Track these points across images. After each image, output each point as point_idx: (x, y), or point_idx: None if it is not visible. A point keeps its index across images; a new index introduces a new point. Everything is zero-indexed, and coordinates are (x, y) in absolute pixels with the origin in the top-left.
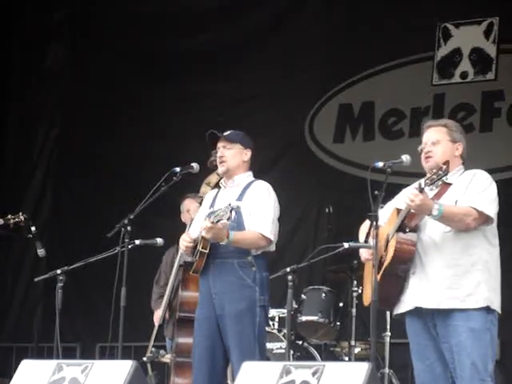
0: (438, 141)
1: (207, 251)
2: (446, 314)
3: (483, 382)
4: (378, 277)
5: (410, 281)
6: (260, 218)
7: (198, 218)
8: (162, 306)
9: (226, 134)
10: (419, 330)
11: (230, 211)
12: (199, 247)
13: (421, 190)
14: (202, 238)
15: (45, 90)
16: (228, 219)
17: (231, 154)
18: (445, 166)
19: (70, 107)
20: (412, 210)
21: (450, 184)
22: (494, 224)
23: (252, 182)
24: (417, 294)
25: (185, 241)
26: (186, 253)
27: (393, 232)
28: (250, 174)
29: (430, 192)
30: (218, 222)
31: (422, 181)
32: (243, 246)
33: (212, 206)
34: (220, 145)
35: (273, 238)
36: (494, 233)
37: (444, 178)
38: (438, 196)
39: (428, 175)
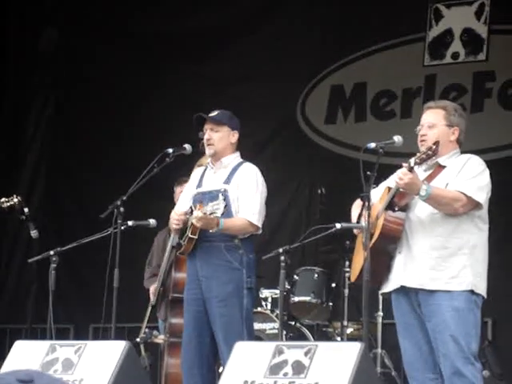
0: (433, 124)
1: (196, 237)
2: (429, 293)
3: (467, 359)
4: (364, 254)
5: (396, 260)
6: (248, 205)
7: (184, 197)
8: (156, 285)
9: (212, 115)
10: (405, 309)
11: (225, 207)
12: (188, 233)
13: (410, 169)
14: (192, 224)
15: (38, 73)
16: (222, 214)
17: (219, 137)
18: (434, 146)
19: (63, 90)
20: (401, 189)
21: (443, 167)
22: (484, 210)
23: (240, 164)
24: (402, 273)
25: (174, 219)
26: (176, 226)
27: (382, 210)
28: (238, 154)
29: (424, 174)
30: (211, 214)
31: (412, 160)
32: (232, 232)
33: (199, 185)
34: (207, 127)
35: (260, 225)
36: (484, 218)
37: (434, 158)
38: (430, 178)
39: (417, 154)
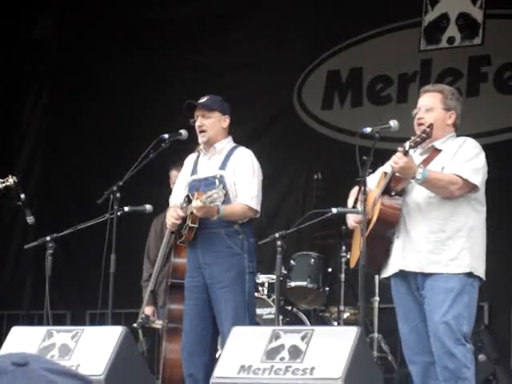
0: (431, 108)
1: (196, 226)
2: (428, 276)
3: (458, 341)
4: (361, 239)
5: (395, 244)
6: (246, 190)
7: (179, 185)
8: (154, 271)
9: (202, 101)
10: (404, 293)
11: (225, 195)
12: (188, 222)
13: (405, 153)
14: (192, 213)
15: (33, 60)
16: (222, 203)
17: (210, 123)
18: (428, 129)
19: (58, 77)
20: (396, 174)
21: (439, 150)
22: (481, 192)
23: (234, 148)
24: (401, 258)
25: (172, 217)
26: (171, 228)
27: (378, 195)
28: (230, 139)
29: (420, 157)
30: (211, 202)
31: (407, 143)
32: (232, 218)
33: (194, 172)
34: (198, 113)
35: (259, 209)
36: (481, 200)
37: (428, 141)
38: (426, 162)
39: (412, 138)
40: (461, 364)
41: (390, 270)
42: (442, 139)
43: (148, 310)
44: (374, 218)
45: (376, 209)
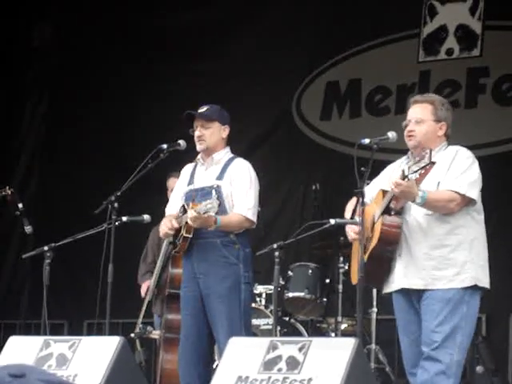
0: (421, 120)
1: (191, 236)
2: (431, 291)
3: (447, 349)
4: (365, 257)
5: (397, 262)
6: (243, 201)
7: (176, 195)
8: (152, 281)
9: (202, 111)
10: (405, 306)
11: (219, 205)
12: (183, 232)
13: (404, 178)
14: (186, 223)
15: (32, 68)
16: (216, 213)
17: (210, 133)
18: (427, 155)
19: (58, 85)
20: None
21: (433, 163)
22: (478, 201)
23: (232, 159)
24: (403, 275)
25: (166, 226)
26: (163, 237)
27: (379, 214)
28: (228, 150)
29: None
30: (205, 213)
31: (406, 167)
32: (229, 229)
33: (191, 182)
34: (198, 123)
35: (255, 220)
36: (479, 209)
37: (428, 166)
38: (422, 176)
39: (411, 162)
40: (442, 371)
41: (392, 287)
42: (434, 151)
43: (145, 284)
44: (375, 238)
45: (376, 229)
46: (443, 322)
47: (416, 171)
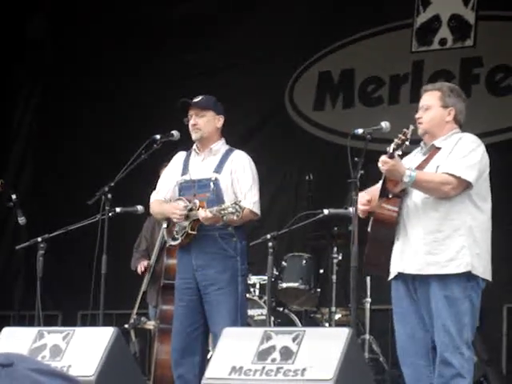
0: (429, 106)
1: (195, 233)
2: (426, 279)
3: (457, 349)
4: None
5: (395, 246)
6: (248, 195)
7: (166, 181)
8: (146, 262)
9: (197, 100)
10: (402, 295)
11: (243, 210)
12: (188, 229)
13: (390, 156)
14: (193, 220)
15: (25, 60)
16: (237, 217)
17: (204, 121)
18: (406, 130)
19: (50, 77)
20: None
21: (439, 149)
22: (483, 187)
23: (229, 151)
24: (399, 260)
25: (177, 209)
26: (178, 221)
27: (376, 197)
28: (224, 141)
29: (423, 157)
30: (222, 217)
31: (391, 146)
32: (235, 224)
33: (185, 172)
34: (192, 112)
35: (259, 213)
36: (483, 196)
37: (407, 144)
38: (426, 161)
39: (394, 140)
40: (457, 373)
41: (391, 273)
42: (443, 137)
43: (141, 265)
44: (372, 220)
45: (375, 211)
46: (449, 323)
47: (396, 148)
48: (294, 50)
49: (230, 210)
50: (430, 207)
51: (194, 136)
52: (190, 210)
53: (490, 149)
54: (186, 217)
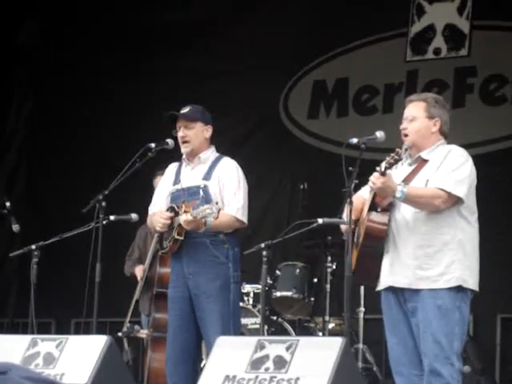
0: (414, 117)
1: (182, 238)
2: (416, 291)
3: (447, 359)
4: (356, 253)
5: (384, 259)
6: (232, 201)
7: (160, 192)
8: (141, 266)
9: (184, 111)
10: (392, 305)
11: (218, 211)
12: (174, 234)
13: (382, 174)
14: (179, 226)
15: (17, 66)
16: (214, 218)
17: (193, 133)
18: (400, 151)
19: (43, 83)
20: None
21: (426, 161)
22: (471, 201)
23: (218, 158)
24: (389, 273)
25: (162, 218)
26: (161, 229)
27: (366, 211)
28: (213, 149)
29: (409, 168)
30: (202, 218)
31: (383, 164)
32: (218, 229)
33: (177, 182)
34: (180, 124)
35: (246, 220)
36: (472, 210)
37: (416, 151)
38: (413, 173)
39: (387, 158)
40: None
41: (381, 285)
42: (429, 148)
43: (138, 269)
44: (362, 234)
45: (363, 225)
46: (440, 333)
47: (388, 167)
48: (289, 59)
49: (208, 211)
50: (419, 221)
51: (183, 150)
52: (176, 214)
53: (483, 158)
54: (171, 223)
